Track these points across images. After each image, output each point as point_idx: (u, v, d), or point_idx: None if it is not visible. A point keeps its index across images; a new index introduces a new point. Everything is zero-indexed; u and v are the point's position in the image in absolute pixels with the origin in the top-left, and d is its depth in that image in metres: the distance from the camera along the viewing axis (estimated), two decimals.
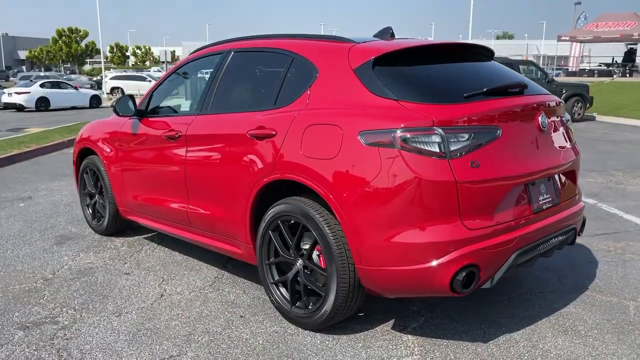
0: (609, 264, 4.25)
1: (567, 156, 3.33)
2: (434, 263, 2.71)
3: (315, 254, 3.20)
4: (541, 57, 61.72)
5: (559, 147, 3.30)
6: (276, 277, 3.40)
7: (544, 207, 3.10)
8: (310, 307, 3.19)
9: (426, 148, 2.71)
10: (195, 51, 4.43)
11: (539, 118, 3.10)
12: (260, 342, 3.11)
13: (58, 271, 4.28)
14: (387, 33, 3.64)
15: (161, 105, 4.54)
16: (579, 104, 15.97)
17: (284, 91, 3.39)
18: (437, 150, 2.71)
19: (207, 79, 4.09)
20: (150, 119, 4.42)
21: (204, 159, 3.78)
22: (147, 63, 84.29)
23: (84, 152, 5.33)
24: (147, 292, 3.85)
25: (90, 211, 5.39)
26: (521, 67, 15.60)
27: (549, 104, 3.24)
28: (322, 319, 3.09)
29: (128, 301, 3.71)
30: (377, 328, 3.25)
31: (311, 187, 3.01)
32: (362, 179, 2.80)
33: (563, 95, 15.35)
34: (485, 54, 3.59)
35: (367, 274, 2.88)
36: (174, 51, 39.30)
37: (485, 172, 2.77)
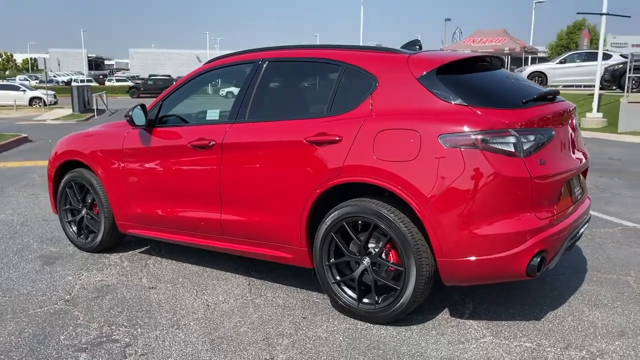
0: (589, 248, 4.88)
1: (586, 154, 3.84)
2: (514, 251, 3.03)
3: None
4: None
5: (581, 146, 3.81)
6: (338, 277, 3.54)
7: (578, 197, 3.57)
8: (380, 302, 3.37)
9: (504, 148, 3.04)
10: (211, 61, 4.41)
11: (573, 120, 3.57)
12: (341, 339, 3.24)
13: (73, 291, 4.04)
14: (415, 45, 3.95)
15: (174, 114, 4.45)
16: None
17: (338, 99, 3.55)
18: (513, 150, 3.05)
19: (230, 88, 4.13)
20: (165, 128, 4.33)
21: (247, 166, 3.80)
22: (8, 72, 77.34)
23: (64, 167, 5.04)
24: (190, 304, 3.78)
25: (75, 228, 5.08)
26: None
27: (574, 108, 3.73)
28: (398, 311, 3.29)
29: (177, 314, 3.63)
30: (438, 317, 3.51)
31: (387, 187, 3.21)
32: (445, 178, 3.06)
33: None
34: (501, 64, 4.02)
35: (449, 266, 3.14)
36: (44, 59, 36.41)
37: (549, 168, 3.16)
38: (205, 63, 4.44)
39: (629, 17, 16.19)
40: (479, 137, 3.03)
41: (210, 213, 4.05)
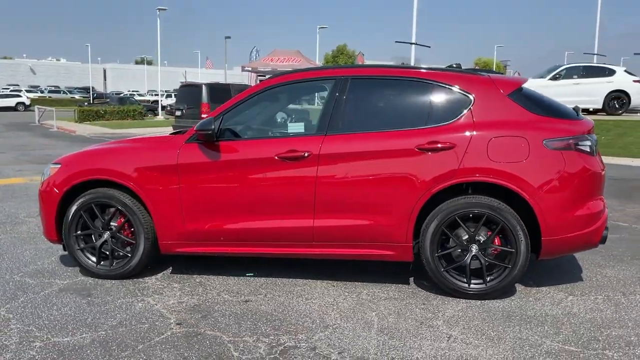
0: None
1: None
2: (595, 226, 4.02)
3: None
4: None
5: None
6: (446, 265, 4.10)
7: None
8: (490, 281, 4.04)
9: (585, 149, 4.01)
10: (276, 76, 4.53)
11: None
12: (476, 313, 3.83)
13: (170, 315, 3.82)
14: (459, 67, 4.74)
15: (240, 127, 4.45)
16: None
17: (435, 112, 4.13)
18: (589, 150, 4.03)
19: (305, 102, 4.39)
20: (235, 142, 4.33)
21: (350, 174, 4.09)
22: None
23: (76, 188, 4.55)
24: (310, 308, 3.93)
25: (91, 256, 4.59)
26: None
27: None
28: (509, 285, 4.02)
29: (315, 316, 3.78)
30: (520, 289, 4.31)
31: (502, 184, 3.91)
32: (550, 174, 3.90)
33: None
34: None
35: (552, 243, 3.97)
36: None
37: (603, 166, 4.22)
38: (270, 78, 4.55)
39: (429, 47, 19.28)
40: (571, 141, 3.95)
41: (300, 221, 4.21)
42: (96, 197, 4.50)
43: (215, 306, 3.99)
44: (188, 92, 16.88)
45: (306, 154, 4.14)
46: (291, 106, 5.24)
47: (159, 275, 4.68)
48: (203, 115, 15.82)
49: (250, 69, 31.41)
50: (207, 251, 4.45)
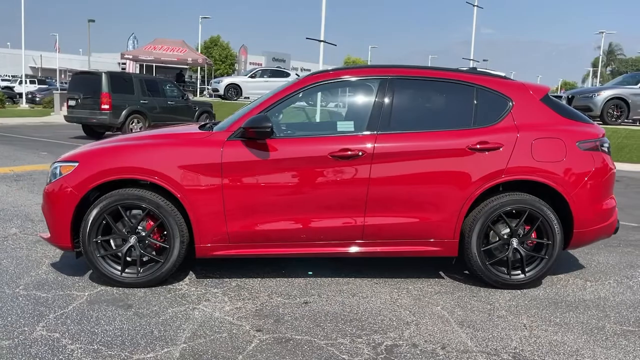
0: None
1: None
2: (613, 218, 4.53)
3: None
4: (40, 69, 60.51)
5: None
6: (489, 259, 4.35)
7: None
8: (529, 272, 4.36)
9: (606, 150, 4.48)
10: (316, 74, 4.44)
11: None
12: (520, 302, 4.13)
13: (244, 322, 3.63)
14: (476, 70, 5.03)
15: (284, 125, 4.31)
16: (208, 119, 18.21)
17: (479, 114, 4.36)
18: (607, 151, 4.52)
19: (350, 101, 4.43)
20: (283, 139, 4.20)
21: (402, 172, 4.17)
22: None
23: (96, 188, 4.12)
24: (377, 307, 3.96)
25: (112, 263, 4.18)
26: (167, 87, 16.57)
27: None
28: (540, 273, 4.37)
29: (399, 320, 3.81)
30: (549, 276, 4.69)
31: (543, 182, 4.24)
32: (584, 173, 4.30)
33: (197, 112, 17.23)
34: None
35: (582, 235, 4.38)
36: None
37: (614, 165, 4.74)
38: (310, 76, 4.45)
39: (335, 45, 19.76)
40: (597, 142, 4.41)
41: (351, 220, 4.21)
42: (123, 199, 4.10)
43: (278, 310, 3.85)
44: (83, 81, 15.64)
45: (360, 153, 4.14)
46: (299, 104, 5.17)
47: (186, 280, 4.39)
48: (104, 107, 14.75)
49: (131, 57, 29.65)
50: (247, 253, 4.27)
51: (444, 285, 4.45)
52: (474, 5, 29.46)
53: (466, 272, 4.68)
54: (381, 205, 4.21)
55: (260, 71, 26.38)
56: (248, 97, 27.41)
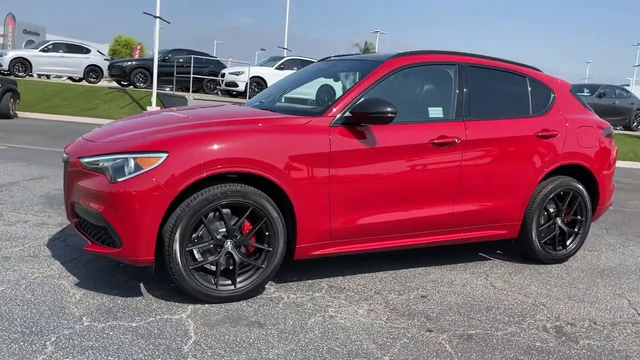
0: None
1: None
2: (613, 197, 5.29)
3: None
4: None
5: None
6: (544, 239, 4.71)
7: None
8: (561, 247, 4.83)
9: (613, 137, 5.19)
10: (398, 57, 4.19)
11: None
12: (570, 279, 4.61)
13: (397, 323, 3.36)
14: None
15: None
16: (12, 99, 15.34)
17: (534, 103, 4.66)
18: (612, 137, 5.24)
19: (426, 86, 4.39)
20: (388, 126, 3.89)
21: (486, 159, 4.26)
22: None
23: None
24: (481, 293, 4.00)
25: (203, 274, 3.48)
26: None
27: None
28: (579, 246, 4.91)
29: (513, 303, 3.90)
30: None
31: (583, 165, 4.74)
32: (608, 157, 4.94)
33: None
34: None
35: (600, 210, 5.02)
36: None
37: None
38: (397, 57, 4.19)
39: (169, 22, 18.32)
40: (612, 130, 5.09)
41: (443, 208, 4.18)
42: (224, 197, 3.41)
43: (411, 307, 3.65)
44: None
45: (456, 140, 4.12)
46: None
47: (271, 289, 3.84)
48: None
49: None
50: (348, 250, 3.92)
51: (504, 266, 4.69)
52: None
53: (499, 251, 5.00)
54: (467, 192, 4.24)
55: (52, 44, 23.12)
56: (47, 75, 24.06)
